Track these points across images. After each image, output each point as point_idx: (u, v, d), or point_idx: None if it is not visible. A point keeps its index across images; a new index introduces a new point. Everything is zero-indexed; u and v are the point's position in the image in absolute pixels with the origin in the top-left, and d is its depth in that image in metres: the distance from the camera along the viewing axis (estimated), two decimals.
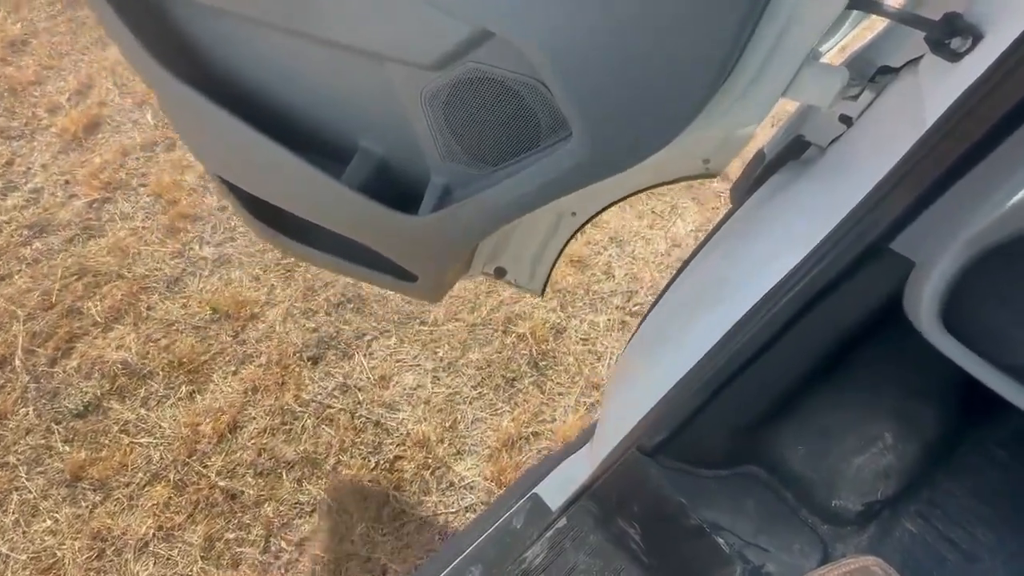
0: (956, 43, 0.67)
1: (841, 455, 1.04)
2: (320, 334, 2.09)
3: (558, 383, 1.98)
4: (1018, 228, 0.68)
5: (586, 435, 1.34)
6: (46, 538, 1.69)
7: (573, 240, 2.32)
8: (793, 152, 1.04)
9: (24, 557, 1.65)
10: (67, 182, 2.50)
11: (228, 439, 1.86)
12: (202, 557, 1.66)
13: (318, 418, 1.90)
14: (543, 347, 2.05)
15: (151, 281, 2.22)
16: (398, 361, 2.03)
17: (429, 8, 0.76)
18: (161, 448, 1.84)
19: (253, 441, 1.86)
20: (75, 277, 2.20)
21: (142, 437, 1.86)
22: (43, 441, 1.85)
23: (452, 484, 1.78)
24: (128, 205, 2.45)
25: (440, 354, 2.05)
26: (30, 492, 1.76)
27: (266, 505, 1.74)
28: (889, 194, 0.71)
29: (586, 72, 0.75)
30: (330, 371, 2.01)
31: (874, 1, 0.77)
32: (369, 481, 1.79)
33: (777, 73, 0.80)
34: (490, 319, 2.12)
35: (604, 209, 1.18)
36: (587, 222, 1.21)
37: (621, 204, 2.43)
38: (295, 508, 1.74)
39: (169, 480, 1.78)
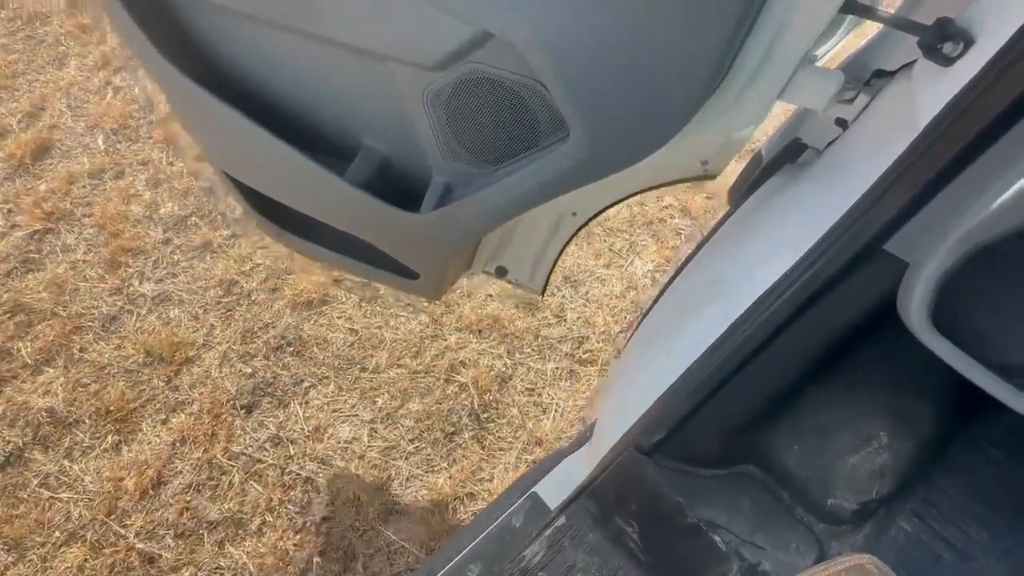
0: (948, 48, 0.68)
1: (836, 454, 1.03)
2: (256, 380, 1.98)
3: (500, 437, 1.87)
4: (1004, 228, 0.67)
5: (584, 434, 1.33)
6: None
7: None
8: (790, 155, 1.04)
9: None
10: (10, 211, 2.39)
11: (151, 496, 1.75)
12: None
13: (247, 473, 1.80)
14: (486, 398, 1.93)
15: (87, 320, 2.11)
16: (335, 411, 1.92)
17: (431, 9, 0.77)
18: (81, 505, 1.73)
19: (177, 498, 1.75)
20: (8, 315, 2.09)
21: (63, 492, 1.76)
22: None
23: (379, 549, 1.67)
24: (71, 237, 2.33)
25: (379, 404, 1.93)
26: None
27: (184, 570, 1.63)
28: (883, 196, 0.71)
29: (584, 74, 0.76)
30: (264, 421, 1.90)
31: (868, 6, 0.77)
32: (294, 545, 1.68)
33: (773, 76, 0.81)
34: (433, 366, 2.01)
35: (605, 209, 1.17)
36: (588, 222, 1.21)
37: (577, 240, 2.29)
38: (214, 574, 1.63)
39: (86, 540, 1.68)
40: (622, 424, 1.05)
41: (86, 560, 1.64)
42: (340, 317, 2.14)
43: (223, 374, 1.99)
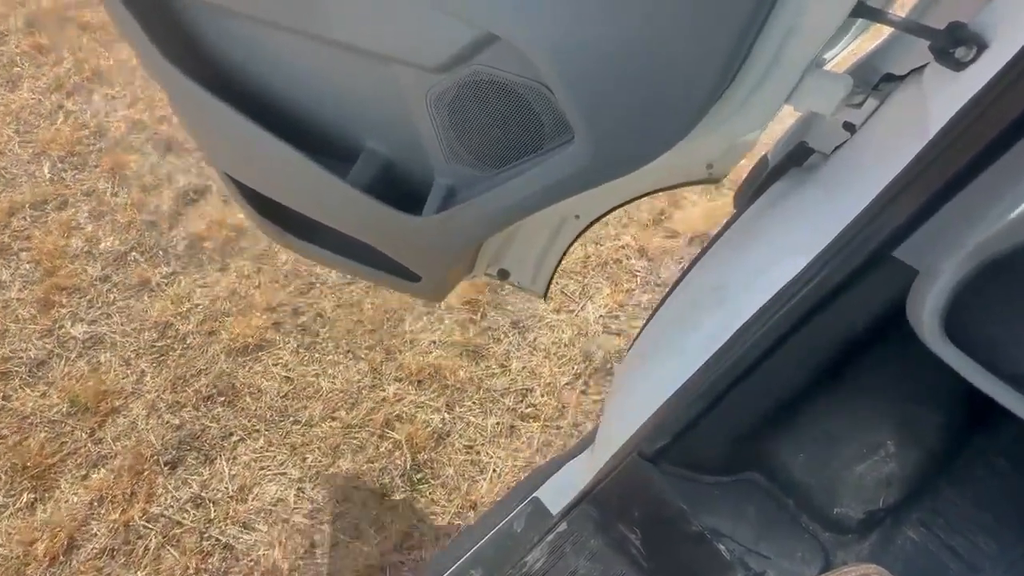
0: (960, 52, 0.66)
1: (843, 463, 1.01)
2: (184, 432, 1.86)
3: (432, 500, 1.74)
4: (1021, 239, 0.65)
5: (587, 440, 1.29)
6: None
7: (471, 325, 2.05)
8: (797, 159, 1.02)
9: None
10: None
11: (61, 562, 1.63)
12: None
13: (164, 537, 1.68)
14: (421, 456, 1.81)
15: (13, 365, 1.99)
16: (263, 468, 1.80)
17: (435, 11, 0.76)
18: None
19: (88, 564, 1.63)
20: None
21: None
22: None
23: None
24: (6, 272, 2.22)
25: (309, 461, 1.81)
26: None
27: None
28: (892, 202, 0.70)
29: (589, 77, 0.75)
30: (187, 479, 1.77)
31: (878, 10, 0.75)
32: None
33: (780, 80, 0.79)
34: (368, 420, 1.88)
35: (609, 212, 1.15)
36: (591, 224, 1.18)
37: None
38: None
39: None
40: (625, 429, 1.02)
41: None
42: (276, 364, 2.01)
43: (150, 426, 1.87)
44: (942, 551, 0.97)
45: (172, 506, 1.73)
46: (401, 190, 1.03)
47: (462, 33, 0.78)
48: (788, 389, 0.97)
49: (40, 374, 1.98)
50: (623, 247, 2.30)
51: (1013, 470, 1.03)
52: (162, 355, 2.03)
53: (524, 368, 2.01)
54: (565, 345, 2.06)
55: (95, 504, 1.73)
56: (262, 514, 1.73)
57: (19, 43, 3.04)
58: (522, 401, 1.93)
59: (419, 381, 1.97)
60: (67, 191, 2.46)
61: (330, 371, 2.00)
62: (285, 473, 1.80)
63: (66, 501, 1.73)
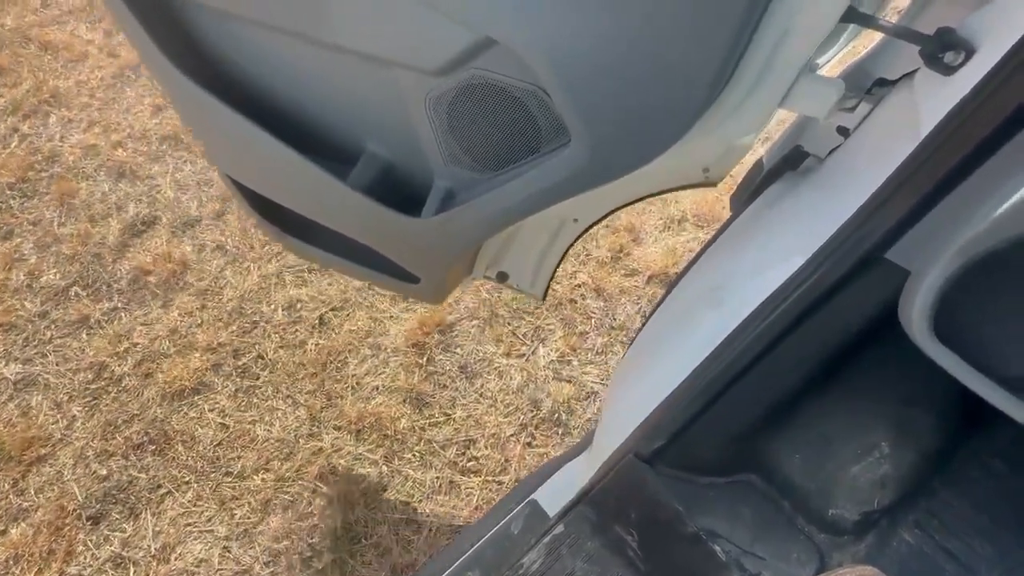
0: (949, 57, 0.67)
1: (838, 464, 0.99)
2: (110, 484, 1.74)
3: (364, 562, 1.63)
4: (1006, 237, 0.65)
5: (584, 441, 1.27)
6: None
7: (416, 369, 1.93)
8: (791, 162, 1.02)
9: None
10: None
11: None
12: None
13: None
14: (354, 514, 1.69)
15: None
16: (188, 524, 1.68)
17: (435, 15, 0.76)
18: None
19: None
20: None
21: None
22: None
23: None
24: None
25: (238, 517, 1.69)
26: None
27: None
28: (885, 204, 0.70)
29: (585, 81, 0.75)
30: (109, 535, 1.66)
31: (869, 15, 0.76)
32: None
33: (773, 84, 0.79)
34: (303, 472, 1.77)
35: (607, 215, 1.15)
36: (590, 228, 1.18)
37: (480, 326, 1.99)
38: None
39: None
40: (622, 430, 1.02)
41: None
42: (213, 409, 1.90)
43: (75, 476, 1.76)
44: (938, 553, 0.96)
45: (90, 566, 1.61)
46: (400, 192, 1.02)
47: (460, 37, 0.78)
48: (783, 390, 0.96)
49: None
50: (579, 286, 2.18)
51: (1009, 472, 1.02)
52: (95, 398, 1.92)
53: (469, 417, 1.89)
54: (513, 392, 1.94)
55: (10, 563, 1.61)
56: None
57: None
58: (464, 453, 1.82)
59: (359, 431, 1.85)
60: (13, 220, 2.35)
61: (268, 418, 1.89)
62: (212, 530, 1.68)
63: None
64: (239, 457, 1.81)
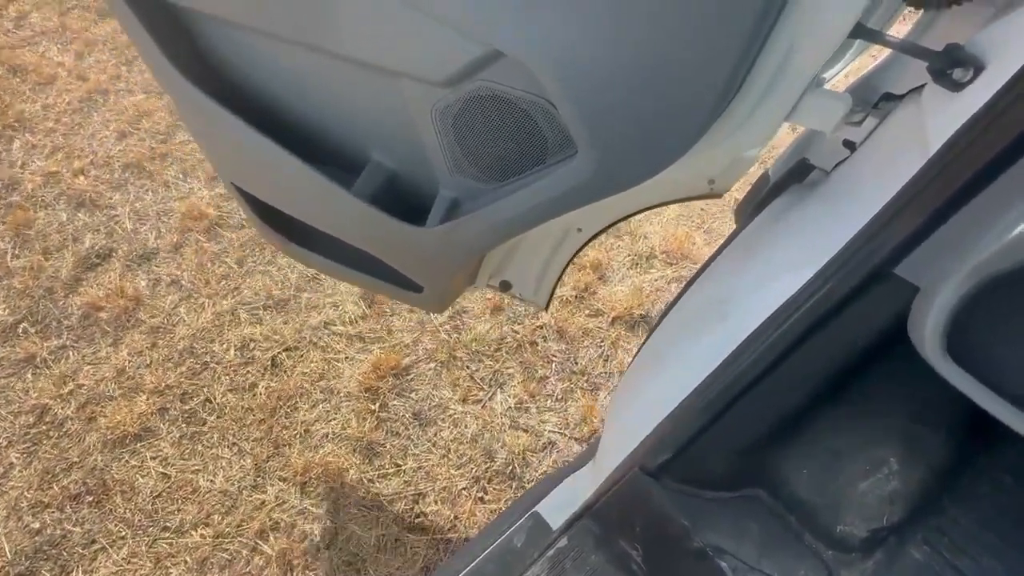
0: (958, 74, 0.66)
1: (846, 479, 0.97)
2: (42, 539, 1.63)
3: None
4: (1020, 259, 0.63)
5: (589, 453, 1.24)
6: None
7: (369, 416, 1.82)
8: (797, 175, 1.01)
9: None
10: None
11: None
12: None
13: None
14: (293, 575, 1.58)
15: None
16: None
17: (442, 28, 0.76)
18: None
19: None
20: None
21: None
22: None
23: None
24: None
25: None
26: None
27: None
28: (893, 219, 0.69)
29: (593, 93, 0.74)
30: None
31: (876, 31, 0.75)
32: None
33: (780, 98, 0.79)
34: (243, 528, 1.66)
35: (611, 225, 1.14)
36: (594, 237, 1.17)
37: (437, 369, 1.88)
38: None
39: None
40: (627, 443, 0.99)
41: None
42: (155, 457, 1.79)
43: (7, 530, 1.64)
44: (947, 571, 0.94)
45: None
46: (405, 201, 1.01)
47: (468, 49, 0.78)
48: (790, 404, 0.94)
49: None
50: (541, 327, 2.08)
51: (1019, 488, 0.99)
52: (34, 444, 1.81)
53: (420, 468, 1.78)
54: (467, 442, 1.83)
55: None
56: None
57: None
58: (412, 508, 1.71)
59: (304, 483, 1.74)
60: None
61: (211, 467, 1.78)
62: None
63: None
64: (179, 510, 1.70)
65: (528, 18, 0.70)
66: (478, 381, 1.97)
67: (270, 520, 1.68)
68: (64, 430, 1.84)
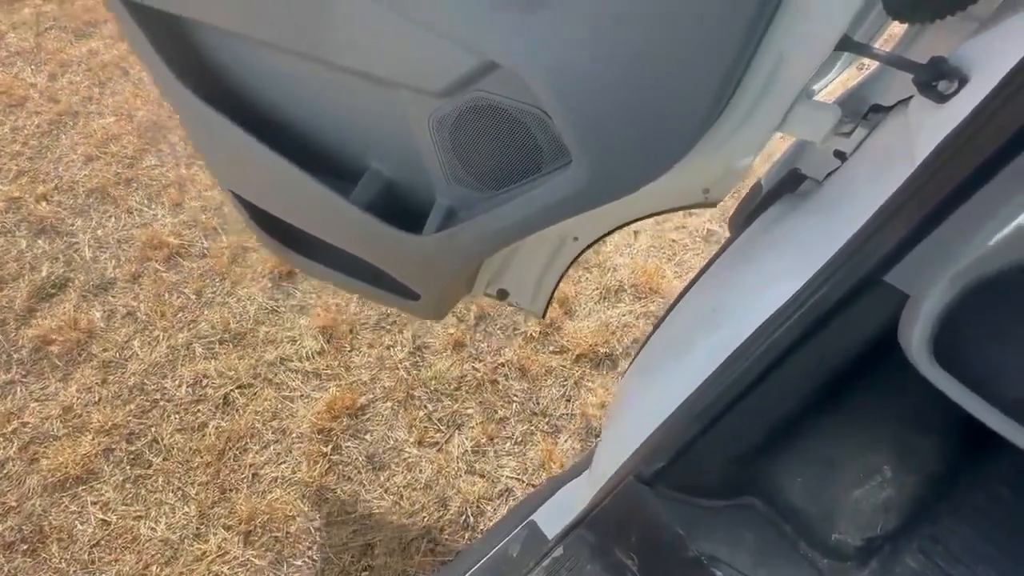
0: (943, 85, 0.67)
1: (840, 487, 0.95)
2: None
3: None
4: (1005, 263, 0.64)
5: (585, 461, 1.22)
6: None
7: (320, 459, 1.72)
8: (789, 185, 1.02)
9: None
10: None
11: None
12: None
13: None
14: None
15: None
16: None
17: (439, 39, 0.76)
18: None
19: None
20: None
21: None
22: None
23: None
24: None
25: None
26: None
27: None
28: (884, 227, 0.70)
29: (586, 103, 0.75)
30: None
31: (863, 44, 0.76)
32: None
33: (771, 108, 0.80)
34: None
35: (607, 234, 1.13)
36: (590, 246, 1.17)
37: (394, 408, 1.78)
38: None
39: None
40: (623, 451, 0.99)
41: None
42: (96, 502, 1.69)
43: None
44: None
45: None
46: (402, 210, 1.01)
47: (464, 60, 0.79)
48: (783, 412, 0.93)
49: None
50: (503, 364, 1.98)
51: (1015, 499, 0.98)
52: None
53: (370, 516, 1.68)
54: (421, 488, 1.73)
55: None
56: None
57: None
58: (359, 561, 1.60)
59: (248, 532, 1.64)
60: None
61: (154, 513, 1.68)
62: None
63: None
64: (116, 560, 1.60)
65: (522, 29, 0.71)
66: (435, 422, 1.87)
67: (211, 572, 1.58)
68: (4, 472, 1.74)
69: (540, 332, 2.05)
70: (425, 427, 1.85)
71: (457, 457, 1.79)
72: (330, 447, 1.80)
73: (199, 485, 1.73)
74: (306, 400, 1.90)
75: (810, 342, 0.81)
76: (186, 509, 1.69)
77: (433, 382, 1.94)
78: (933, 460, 0.98)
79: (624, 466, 0.99)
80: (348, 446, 1.81)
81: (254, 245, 2.30)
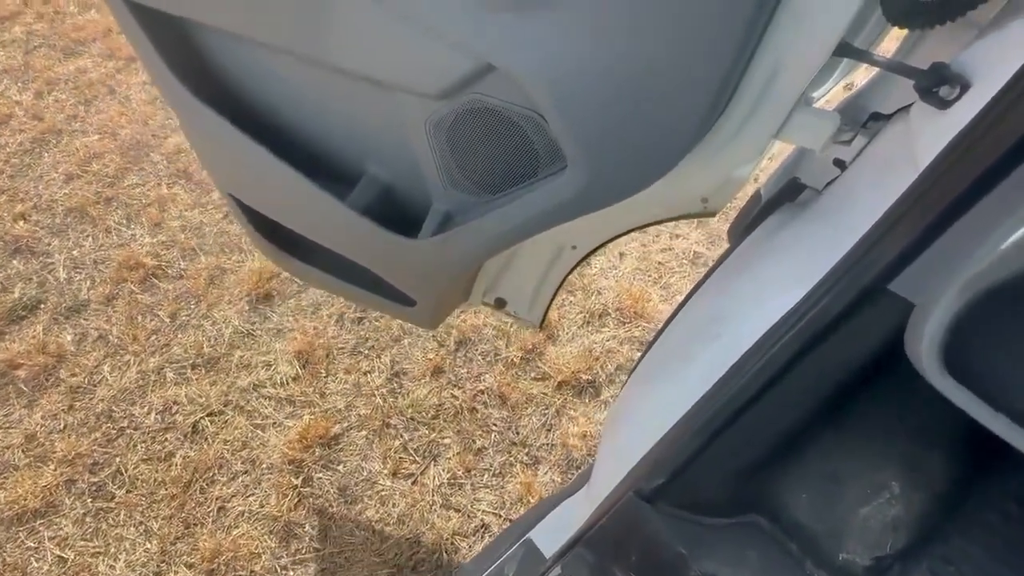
0: (945, 91, 0.66)
1: (847, 505, 0.89)
2: None
3: None
4: (1013, 269, 0.61)
5: (583, 477, 1.18)
6: None
7: (290, 491, 1.64)
8: (788, 194, 1.00)
9: None
10: None
11: None
12: None
13: None
14: None
15: None
16: None
17: (436, 42, 0.76)
18: None
19: None
20: None
21: None
22: None
23: None
24: None
25: None
26: None
27: None
28: (885, 236, 0.68)
29: (582, 107, 0.74)
30: None
31: (862, 50, 0.74)
32: None
33: (768, 115, 0.78)
34: None
35: (606, 243, 1.12)
36: (588, 255, 1.15)
37: (369, 438, 1.68)
38: None
39: None
40: (621, 467, 0.95)
41: None
42: (54, 537, 1.59)
43: None
44: None
45: None
46: (399, 214, 1.00)
47: (461, 63, 0.78)
48: (787, 426, 0.88)
49: None
50: (483, 392, 1.89)
51: None
52: None
53: (339, 554, 1.58)
54: (393, 523, 1.63)
55: None
56: None
57: None
58: None
59: (211, 571, 1.54)
60: None
61: (113, 550, 1.58)
62: None
63: None
64: None
65: (519, 33, 0.70)
66: (411, 452, 1.77)
67: None
68: None
69: (521, 358, 1.96)
70: (400, 458, 1.75)
71: (432, 490, 1.69)
72: (301, 479, 1.70)
73: (162, 519, 1.63)
74: (278, 428, 1.81)
75: (813, 353, 0.78)
76: (147, 545, 1.59)
77: (410, 410, 1.85)
78: (941, 476, 0.93)
79: (623, 482, 0.95)
80: (320, 478, 1.71)
81: (232, 266, 2.23)
